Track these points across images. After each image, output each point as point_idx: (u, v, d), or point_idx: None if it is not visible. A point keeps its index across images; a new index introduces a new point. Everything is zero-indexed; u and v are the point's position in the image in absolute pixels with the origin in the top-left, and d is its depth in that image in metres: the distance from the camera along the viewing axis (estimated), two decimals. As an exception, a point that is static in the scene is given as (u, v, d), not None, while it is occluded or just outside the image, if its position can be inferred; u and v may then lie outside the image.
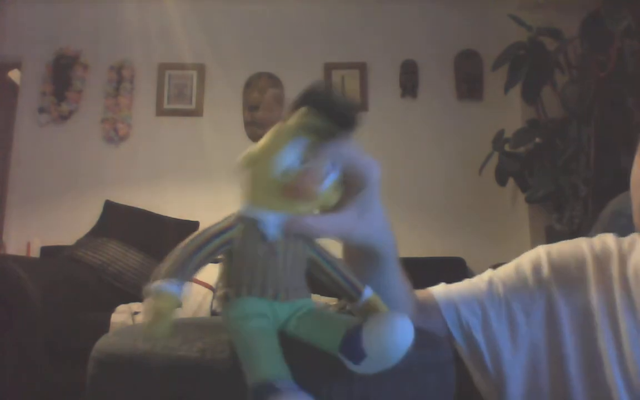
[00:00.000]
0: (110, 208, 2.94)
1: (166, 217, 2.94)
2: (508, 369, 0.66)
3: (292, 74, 3.24)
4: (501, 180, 2.80)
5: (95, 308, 2.20)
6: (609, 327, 0.62)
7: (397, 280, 0.59)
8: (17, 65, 3.39)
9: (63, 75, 3.19)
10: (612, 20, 2.19)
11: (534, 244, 2.98)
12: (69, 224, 2.88)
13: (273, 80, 3.25)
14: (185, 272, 0.40)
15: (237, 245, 0.41)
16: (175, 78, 3.26)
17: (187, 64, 3.24)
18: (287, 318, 0.42)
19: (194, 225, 3.02)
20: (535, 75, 2.55)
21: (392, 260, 0.55)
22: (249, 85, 3.26)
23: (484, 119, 3.08)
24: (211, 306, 2.18)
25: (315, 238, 0.42)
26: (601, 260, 0.67)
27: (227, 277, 0.41)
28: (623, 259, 0.66)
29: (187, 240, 0.42)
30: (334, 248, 0.48)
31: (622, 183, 0.70)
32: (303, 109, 0.39)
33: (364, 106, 3.22)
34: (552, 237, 2.60)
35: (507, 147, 2.76)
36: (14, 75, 3.63)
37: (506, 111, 3.02)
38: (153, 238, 2.78)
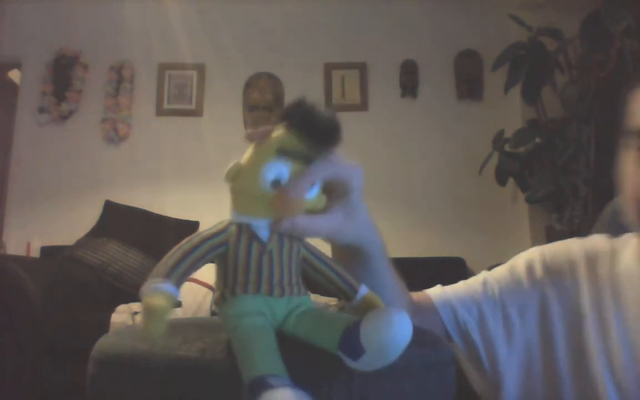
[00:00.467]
0: (110, 208, 2.94)
1: (166, 217, 2.94)
2: (504, 368, 0.67)
3: (292, 74, 3.25)
4: (501, 180, 2.80)
5: (95, 308, 2.20)
6: (598, 327, 0.63)
7: (389, 280, 0.59)
8: (17, 65, 3.39)
9: (63, 75, 3.19)
10: (612, 20, 2.19)
11: (534, 244, 2.98)
12: (69, 224, 2.88)
13: (273, 80, 3.25)
14: (179, 272, 0.41)
15: (231, 247, 0.42)
16: (175, 78, 3.26)
17: (187, 64, 3.24)
18: (285, 316, 0.42)
19: (194, 225, 3.02)
20: (535, 75, 2.55)
21: (382, 259, 0.56)
22: (249, 85, 3.26)
23: (484, 119, 3.09)
24: (211, 306, 2.18)
25: (305, 237, 0.44)
26: (592, 260, 0.68)
27: (223, 278, 0.43)
28: (614, 259, 0.67)
29: (182, 242, 0.43)
30: (325, 250, 0.49)
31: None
32: (285, 126, 0.41)
33: (364, 106, 3.22)
34: (552, 237, 2.60)
35: (507, 147, 2.76)
36: (14, 75, 3.63)
37: (506, 111, 3.02)
38: (153, 238, 2.78)
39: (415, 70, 3.24)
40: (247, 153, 0.43)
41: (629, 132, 0.63)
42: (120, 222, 2.85)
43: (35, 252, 2.91)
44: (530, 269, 0.70)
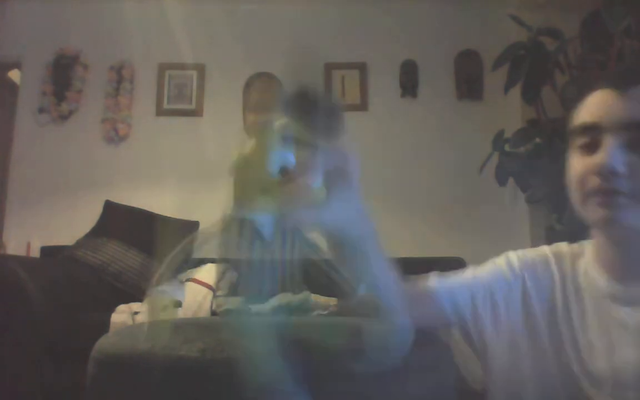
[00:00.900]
0: (110, 208, 2.94)
1: (166, 217, 2.93)
2: (491, 347, 0.77)
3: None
4: (501, 180, 2.80)
5: (95, 308, 2.20)
6: (566, 316, 0.75)
7: (383, 269, 0.61)
8: (17, 65, 3.39)
9: (63, 75, 3.19)
10: (612, 20, 2.19)
11: (533, 244, 2.97)
12: (69, 224, 2.88)
13: (273, 80, 3.25)
14: (178, 272, 0.41)
15: (234, 246, 0.42)
16: (175, 78, 3.26)
17: (187, 64, 3.24)
18: (288, 317, 0.42)
19: (194, 225, 3.02)
20: (535, 75, 2.55)
21: (374, 248, 0.58)
22: (249, 85, 3.25)
23: (484, 119, 3.08)
24: (211, 306, 2.18)
25: (311, 230, 0.44)
26: (559, 259, 0.81)
27: (228, 280, 0.43)
28: (574, 261, 0.79)
29: (184, 241, 0.44)
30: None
31: None
32: (288, 114, 0.41)
33: (364, 106, 3.22)
34: (552, 237, 2.60)
35: (507, 147, 2.75)
36: (14, 75, 3.63)
37: (506, 111, 3.02)
38: (153, 238, 2.78)
39: (415, 70, 3.24)
40: (248, 144, 0.42)
41: (572, 131, 0.76)
42: (120, 222, 2.85)
43: (35, 252, 2.91)
44: (509, 264, 0.83)
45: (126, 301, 2.29)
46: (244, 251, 0.36)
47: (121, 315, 2.11)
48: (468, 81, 3.22)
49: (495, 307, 0.79)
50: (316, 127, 0.41)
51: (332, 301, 2.33)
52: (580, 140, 0.73)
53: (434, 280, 0.80)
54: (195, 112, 3.22)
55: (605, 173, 0.66)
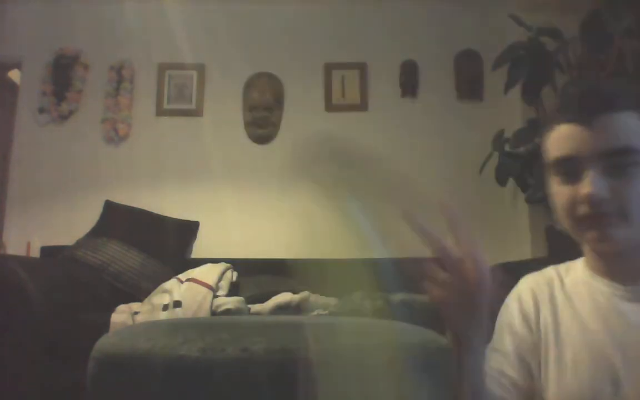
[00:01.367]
0: (110, 208, 2.94)
1: (166, 217, 2.94)
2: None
3: (292, 74, 3.25)
4: (501, 180, 2.80)
5: (95, 308, 2.20)
6: (567, 329, 0.80)
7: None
8: (17, 65, 3.39)
9: (63, 75, 3.19)
10: (612, 20, 2.19)
11: (534, 244, 2.97)
12: (69, 224, 2.88)
13: (273, 80, 3.25)
14: None
15: None
16: (175, 78, 3.26)
17: (187, 64, 3.24)
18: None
19: (194, 225, 3.02)
20: (535, 75, 2.55)
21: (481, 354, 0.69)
22: (249, 85, 3.26)
23: (484, 119, 3.08)
24: (211, 306, 2.18)
25: None
26: (550, 286, 0.86)
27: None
28: (563, 281, 0.85)
29: None
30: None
31: None
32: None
33: (364, 106, 3.22)
34: (552, 237, 2.60)
35: (507, 147, 2.76)
36: (14, 75, 3.63)
37: (506, 111, 3.02)
38: (153, 238, 2.78)
39: (415, 70, 3.24)
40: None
41: (548, 164, 0.80)
42: (120, 222, 2.85)
43: (35, 252, 2.91)
44: (525, 317, 0.85)
45: (126, 301, 2.29)
46: None
47: (121, 315, 2.11)
48: (468, 81, 3.22)
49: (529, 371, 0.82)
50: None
51: (332, 301, 2.33)
52: (560, 172, 0.77)
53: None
54: (195, 112, 3.22)
55: (593, 201, 0.72)
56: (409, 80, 3.22)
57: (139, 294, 2.45)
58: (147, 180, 3.11)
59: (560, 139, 0.77)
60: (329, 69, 3.26)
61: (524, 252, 2.80)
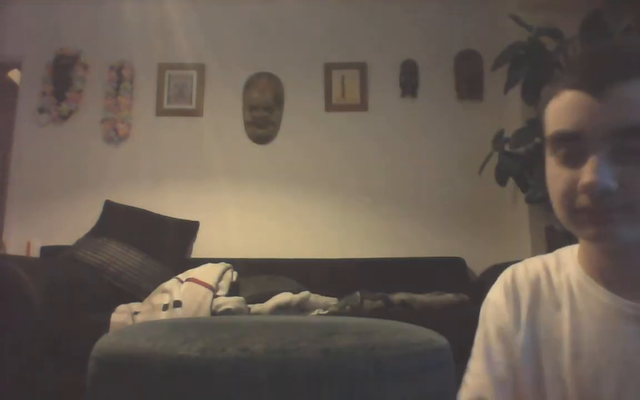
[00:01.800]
0: (110, 208, 2.94)
1: (166, 217, 2.94)
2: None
3: (292, 74, 3.25)
4: (501, 180, 2.80)
5: (95, 308, 2.20)
6: (552, 347, 0.68)
7: None
8: (17, 65, 3.39)
9: (63, 75, 3.19)
10: (612, 20, 2.19)
11: (534, 244, 2.97)
12: (69, 224, 2.88)
13: (273, 80, 3.25)
14: None
15: None
16: (175, 78, 3.26)
17: (187, 64, 3.24)
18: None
19: (194, 225, 3.02)
20: (535, 75, 2.55)
21: None
22: (249, 85, 3.26)
23: (484, 119, 3.08)
24: (211, 306, 2.18)
25: None
26: (535, 287, 0.72)
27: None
28: (552, 281, 0.71)
29: None
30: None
31: None
32: None
33: (364, 106, 3.22)
34: (552, 237, 2.60)
35: (507, 147, 2.76)
36: (14, 75, 3.63)
37: (506, 111, 3.02)
38: (153, 238, 2.78)
39: (415, 70, 3.24)
40: None
41: (549, 138, 0.65)
42: (120, 222, 2.85)
43: (35, 252, 2.91)
44: (500, 332, 0.73)
45: (126, 301, 2.29)
46: None
47: (121, 315, 2.11)
48: (468, 81, 3.21)
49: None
50: None
51: (332, 301, 2.33)
52: (558, 150, 0.63)
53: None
54: (195, 112, 3.22)
55: (595, 193, 0.58)
56: (409, 80, 3.22)
57: (139, 294, 2.45)
58: (147, 180, 3.11)
59: (562, 110, 0.62)
60: (329, 69, 3.26)
61: (524, 252, 2.80)
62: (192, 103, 3.23)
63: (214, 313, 2.16)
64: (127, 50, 3.24)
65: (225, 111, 3.22)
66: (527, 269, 0.74)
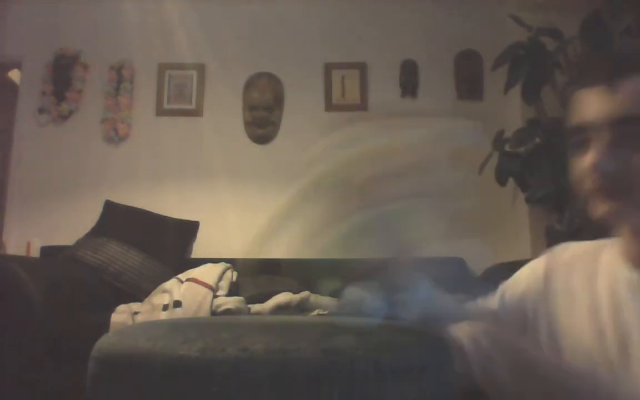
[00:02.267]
0: (110, 208, 2.94)
1: (166, 217, 2.94)
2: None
3: (292, 74, 3.25)
4: (501, 180, 2.80)
5: (95, 308, 2.20)
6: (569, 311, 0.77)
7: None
8: (17, 65, 3.39)
9: (63, 75, 3.19)
10: (612, 20, 2.19)
11: (534, 244, 2.97)
12: (69, 224, 2.88)
13: (273, 80, 3.25)
14: None
15: None
16: (175, 78, 3.26)
17: (187, 64, 3.24)
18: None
19: (194, 225, 3.02)
20: (535, 75, 2.55)
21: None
22: (249, 85, 3.26)
23: (484, 119, 3.08)
24: (211, 306, 2.18)
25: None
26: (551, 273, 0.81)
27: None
28: (592, 260, 0.78)
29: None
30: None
31: None
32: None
33: (364, 106, 3.22)
34: (552, 237, 2.60)
35: (507, 147, 2.76)
36: (14, 75, 3.63)
37: (506, 111, 3.02)
38: (153, 238, 2.78)
39: (415, 70, 3.24)
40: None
41: (570, 131, 0.75)
42: (120, 222, 2.85)
43: (35, 252, 2.91)
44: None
45: (126, 301, 2.29)
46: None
47: (121, 315, 2.11)
48: (468, 81, 3.22)
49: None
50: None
51: (332, 301, 2.33)
52: (574, 142, 0.73)
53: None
54: (195, 112, 3.22)
55: (598, 172, 0.66)
56: (409, 80, 3.22)
57: (139, 294, 2.45)
58: (147, 180, 3.11)
59: (579, 105, 0.72)
60: (329, 69, 3.26)
61: (524, 252, 2.80)
62: (192, 103, 3.23)
63: (214, 313, 2.16)
64: (127, 50, 3.24)
65: (225, 111, 3.22)
66: (568, 250, 0.82)
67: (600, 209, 0.68)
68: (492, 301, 0.86)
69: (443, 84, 3.23)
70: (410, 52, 3.25)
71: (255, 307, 2.21)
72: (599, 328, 0.70)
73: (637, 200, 0.65)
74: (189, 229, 3.01)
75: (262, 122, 3.19)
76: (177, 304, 2.17)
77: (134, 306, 2.21)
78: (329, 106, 3.21)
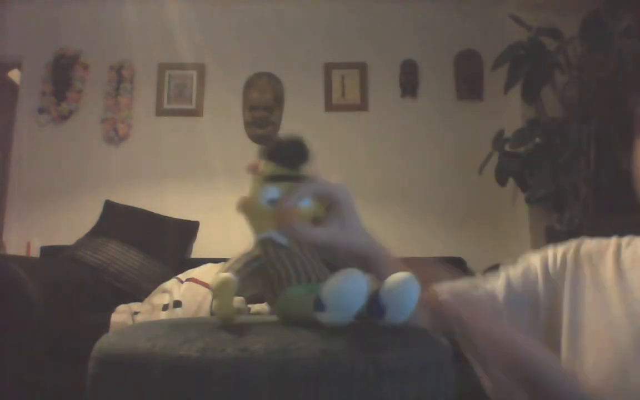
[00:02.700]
0: (110, 208, 2.94)
1: (166, 217, 2.94)
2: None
3: (292, 74, 3.25)
4: (501, 180, 2.80)
5: (95, 308, 2.20)
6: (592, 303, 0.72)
7: None
8: (17, 65, 3.39)
9: (63, 75, 3.19)
10: (612, 20, 2.19)
11: (534, 244, 2.96)
12: (69, 224, 2.88)
13: (273, 80, 3.25)
14: (238, 272, 0.54)
15: (264, 258, 0.55)
16: (175, 78, 3.26)
17: (187, 64, 3.24)
18: None
19: (194, 225, 3.02)
20: (535, 75, 2.55)
21: (385, 261, 0.64)
22: (249, 85, 3.26)
23: (484, 119, 3.08)
24: (211, 306, 2.18)
25: (305, 241, 0.56)
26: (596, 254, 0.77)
27: (270, 285, 0.55)
28: (618, 251, 0.75)
29: (230, 260, 0.56)
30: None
31: (622, 183, 0.76)
32: (266, 160, 0.55)
33: (364, 106, 3.22)
34: (552, 237, 2.60)
35: (507, 147, 2.76)
36: (14, 75, 3.63)
37: (506, 111, 3.02)
38: (153, 238, 2.78)
39: (415, 70, 3.24)
40: (250, 186, 0.56)
41: (637, 121, 0.73)
42: (120, 222, 2.85)
43: (35, 252, 2.91)
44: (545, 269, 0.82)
45: (126, 301, 2.29)
46: (274, 259, 0.48)
47: (121, 315, 2.11)
48: (468, 81, 3.22)
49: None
50: (286, 162, 0.55)
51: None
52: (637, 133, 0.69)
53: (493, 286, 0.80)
54: (195, 112, 3.22)
55: None
56: (409, 80, 3.23)
57: (139, 294, 2.45)
58: (147, 180, 3.11)
59: None
60: (329, 69, 3.26)
61: (524, 252, 2.79)
62: (192, 103, 3.23)
63: (214, 313, 2.16)
64: (127, 50, 3.24)
65: (225, 111, 3.22)
66: (595, 244, 0.78)
67: None
68: (492, 285, 0.81)
69: (443, 84, 3.23)
70: (410, 52, 3.25)
71: (255, 307, 2.21)
72: (635, 324, 0.67)
73: None
74: (189, 229, 3.01)
75: (262, 122, 3.19)
76: (177, 304, 2.17)
77: (134, 306, 2.21)
78: (329, 106, 3.21)
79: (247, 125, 3.21)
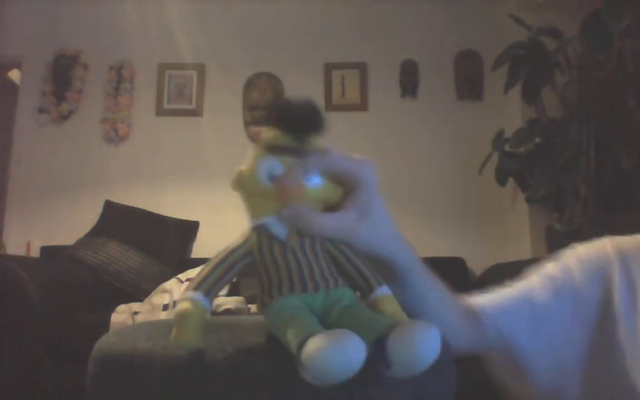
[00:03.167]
0: (110, 208, 2.94)
1: (166, 217, 2.94)
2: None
3: (292, 74, 3.25)
4: (501, 180, 2.80)
5: (95, 308, 2.20)
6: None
7: (433, 295, 0.55)
8: (17, 65, 3.39)
9: (63, 75, 3.19)
10: (612, 20, 2.19)
11: (534, 244, 2.96)
12: (69, 224, 2.88)
13: (273, 80, 3.25)
14: (209, 283, 0.43)
15: (256, 254, 0.44)
16: (175, 78, 3.26)
17: (187, 64, 3.24)
18: (324, 309, 0.43)
19: (194, 225, 3.02)
20: (535, 75, 2.55)
21: (416, 271, 0.52)
22: (249, 85, 3.26)
23: (484, 119, 3.08)
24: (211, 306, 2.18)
25: (311, 231, 0.41)
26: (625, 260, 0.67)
27: (260, 285, 0.45)
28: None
29: (212, 257, 0.45)
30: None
31: (622, 183, 0.73)
32: (270, 125, 0.43)
33: (364, 106, 3.22)
34: (552, 237, 2.60)
35: (507, 147, 2.76)
36: (14, 75, 3.63)
37: (506, 111, 3.03)
38: (153, 238, 2.78)
39: (415, 70, 3.24)
40: (246, 160, 0.45)
41: None
42: (120, 222, 2.85)
43: (35, 252, 2.91)
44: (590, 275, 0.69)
45: (126, 301, 2.29)
46: (267, 257, 0.36)
47: (121, 315, 2.11)
48: (468, 81, 3.22)
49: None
50: (294, 130, 0.42)
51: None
52: None
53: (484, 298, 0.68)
54: (195, 112, 3.22)
55: None
56: (409, 80, 3.23)
57: (139, 294, 2.45)
58: (147, 180, 3.11)
59: None
60: (329, 68, 3.26)
61: (524, 252, 2.80)
62: (192, 103, 3.23)
63: (214, 313, 2.16)
64: (127, 50, 3.24)
65: (225, 111, 3.22)
66: (629, 240, 0.70)
67: None
68: (529, 286, 0.69)
69: (443, 84, 3.23)
70: (410, 52, 3.25)
71: (255, 307, 2.21)
72: None
73: None
74: (189, 229, 3.01)
75: (262, 122, 3.19)
76: (177, 304, 2.17)
77: (134, 306, 2.21)
78: (329, 106, 3.21)
79: (247, 125, 3.21)
